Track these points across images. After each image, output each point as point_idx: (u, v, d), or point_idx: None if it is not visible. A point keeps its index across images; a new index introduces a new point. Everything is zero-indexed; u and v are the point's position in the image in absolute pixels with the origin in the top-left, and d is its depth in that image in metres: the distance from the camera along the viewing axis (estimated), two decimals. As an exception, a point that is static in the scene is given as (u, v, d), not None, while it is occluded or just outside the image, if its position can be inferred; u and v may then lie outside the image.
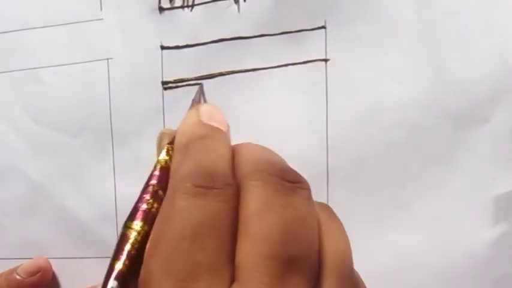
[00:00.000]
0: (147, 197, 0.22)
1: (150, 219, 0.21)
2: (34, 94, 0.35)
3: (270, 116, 0.31)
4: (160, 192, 0.23)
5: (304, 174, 0.30)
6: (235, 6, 0.31)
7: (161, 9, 0.32)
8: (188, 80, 0.32)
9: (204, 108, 0.26)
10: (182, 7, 0.32)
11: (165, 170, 0.23)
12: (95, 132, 0.34)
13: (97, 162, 0.34)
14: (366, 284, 0.24)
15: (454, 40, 0.29)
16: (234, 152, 0.24)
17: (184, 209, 0.20)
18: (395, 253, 0.30)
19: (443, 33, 0.29)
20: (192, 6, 0.32)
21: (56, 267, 0.35)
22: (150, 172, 0.24)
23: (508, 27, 0.28)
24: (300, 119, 0.31)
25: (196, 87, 0.31)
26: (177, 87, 0.32)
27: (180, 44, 0.32)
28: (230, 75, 0.32)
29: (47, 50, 0.34)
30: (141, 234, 0.21)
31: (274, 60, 0.31)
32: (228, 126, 0.26)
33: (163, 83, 0.33)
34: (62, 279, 0.35)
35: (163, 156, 0.24)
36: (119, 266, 0.20)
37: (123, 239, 0.21)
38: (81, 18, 0.34)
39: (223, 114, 0.26)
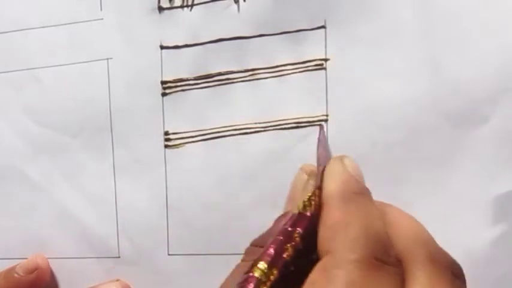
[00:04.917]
0: (284, 240, 0.19)
1: (280, 266, 0.19)
2: (34, 94, 0.35)
3: (269, 117, 0.31)
4: (298, 238, 0.20)
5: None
6: (235, 6, 0.31)
7: (161, 9, 0.32)
8: (187, 79, 0.32)
9: (349, 161, 0.24)
10: (182, 7, 0.32)
11: (305, 218, 0.21)
12: (95, 132, 0.34)
13: (97, 162, 0.34)
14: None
15: (454, 40, 0.29)
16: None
17: (358, 280, 0.18)
18: (395, 253, 0.30)
19: (443, 33, 0.29)
20: (192, 6, 0.32)
21: (56, 267, 0.35)
22: (285, 213, 0.22)
23: (508, 27, 0.28)
24: (300, 119, 0.31)
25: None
26: (176, 87, 0.32)
27: (180, 44, 0.32)
28: (230, 75, 0.32)
29: (46, 50, 0.34)
30: (270, 280, 0.18)
31: (274, 60, 0.31)
32: None
33: (163, 82, 0.33)
34: (62, 279, 0.35)
35: (306, 201, 0.21)
36: None
37: (247, 278, 0.18)
38: (81, 18, 0.34)
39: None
